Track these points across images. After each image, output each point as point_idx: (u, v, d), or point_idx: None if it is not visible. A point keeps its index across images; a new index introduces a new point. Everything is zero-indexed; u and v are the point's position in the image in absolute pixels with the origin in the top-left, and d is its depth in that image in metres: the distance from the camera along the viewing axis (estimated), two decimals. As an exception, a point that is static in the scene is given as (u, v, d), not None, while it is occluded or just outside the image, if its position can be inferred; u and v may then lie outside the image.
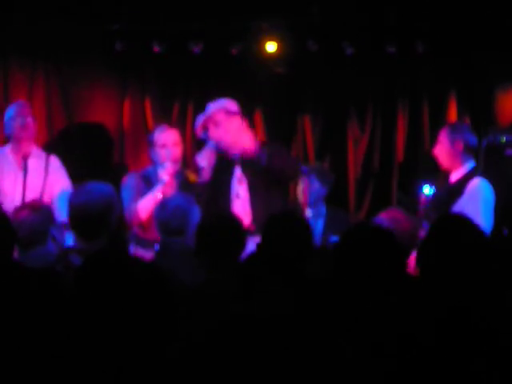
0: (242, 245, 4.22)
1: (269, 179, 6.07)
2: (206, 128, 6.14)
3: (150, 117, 7.42)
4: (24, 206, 5.34)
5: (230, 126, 6.07)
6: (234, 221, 4.33)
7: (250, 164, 6.08)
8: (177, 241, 4.63)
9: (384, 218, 4.47)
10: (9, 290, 2.86)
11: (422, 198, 5.85)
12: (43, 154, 6.42)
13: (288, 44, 7.03)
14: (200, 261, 4.17)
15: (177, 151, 6.14)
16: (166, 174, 6.03)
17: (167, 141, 6.12)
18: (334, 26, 7.01)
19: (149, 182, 6.11)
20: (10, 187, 6.25)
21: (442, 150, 6.06)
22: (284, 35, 6.99)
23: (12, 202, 5.99)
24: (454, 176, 6.05)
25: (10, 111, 6.37)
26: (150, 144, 6.20)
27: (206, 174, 6.08)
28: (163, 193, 5.97)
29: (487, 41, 6.94)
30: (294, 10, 6.86)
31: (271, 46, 7.03)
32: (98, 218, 4.26)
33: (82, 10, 6.86)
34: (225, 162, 6.14)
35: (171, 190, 6.06)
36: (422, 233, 5.58)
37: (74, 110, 7.37)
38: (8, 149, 6.40)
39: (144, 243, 5.93)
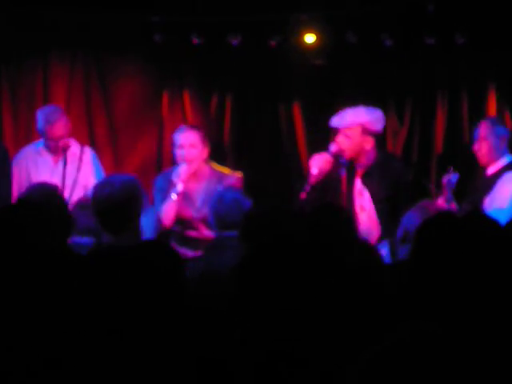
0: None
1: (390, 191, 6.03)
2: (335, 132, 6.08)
3: (189, 109, 7.42)
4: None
5: (360, 144, 6.01)
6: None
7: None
8: (233, 235, 4.39)
9: (414, 211, 4.30)
10: (60, 276, 2.91)
11: (444, 181, 5.83)
12: (78, 145, 6.44)
13: (327, 36, 7.01)
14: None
15: (192, 152, 5.94)
16: (179, 180, 5.86)
17: (184, 141, 5.98)
18: (373, 18, 6.98)
19: (172, 184, 5.96)
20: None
21: (483, 146, 6.03)
22: (323, 27, 6.97)
23: None
24: (491, 169, 6.04)
25: (48, 116, 6.24)
26: (172, 144, 6.15)
27: (313, 179, 5.94)
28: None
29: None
30: (332, 2, 6.84)
31: (310, 38, 7.00)
32: (121, 210, 4.24)
33: (121, 1, 6.89)
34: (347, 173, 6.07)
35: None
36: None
37: (113, 102, 7.40)
38: (41, 147, 6.37)
39: (182, 241, 5.91)
